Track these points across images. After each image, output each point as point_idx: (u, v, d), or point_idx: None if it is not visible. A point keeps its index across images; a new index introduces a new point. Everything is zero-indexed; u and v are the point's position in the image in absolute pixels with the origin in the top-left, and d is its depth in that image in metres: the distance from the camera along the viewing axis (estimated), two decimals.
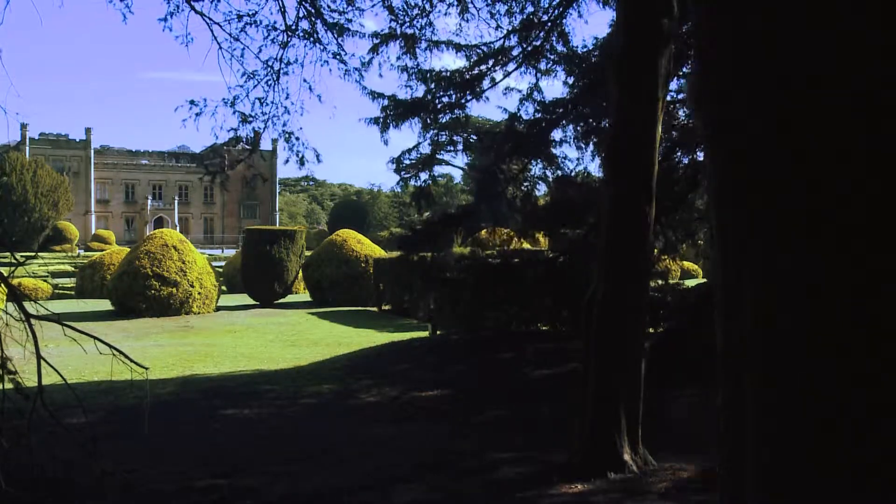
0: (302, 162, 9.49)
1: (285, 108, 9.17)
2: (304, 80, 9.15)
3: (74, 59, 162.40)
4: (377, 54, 9.36)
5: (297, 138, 9.36)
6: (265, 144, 10.68)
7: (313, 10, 8.79)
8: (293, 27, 8.76)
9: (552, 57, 9.66)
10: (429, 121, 9.78)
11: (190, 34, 8.46)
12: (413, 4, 9.10)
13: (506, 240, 11.25)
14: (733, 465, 2.06)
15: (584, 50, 9.80)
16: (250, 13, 8.64)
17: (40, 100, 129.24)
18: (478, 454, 5.91)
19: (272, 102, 9.06)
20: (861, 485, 1.73)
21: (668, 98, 7.89)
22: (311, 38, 8.90)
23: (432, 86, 9.62)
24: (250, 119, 8.99)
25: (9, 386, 3.77)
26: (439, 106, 9.70)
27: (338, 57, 9.04)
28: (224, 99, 8.88)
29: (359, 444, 6.39)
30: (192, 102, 8.66)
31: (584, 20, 10.47)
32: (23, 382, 3.91)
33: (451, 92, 9.63)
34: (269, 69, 8.96)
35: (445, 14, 9.74)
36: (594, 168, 10.38)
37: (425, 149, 10.33)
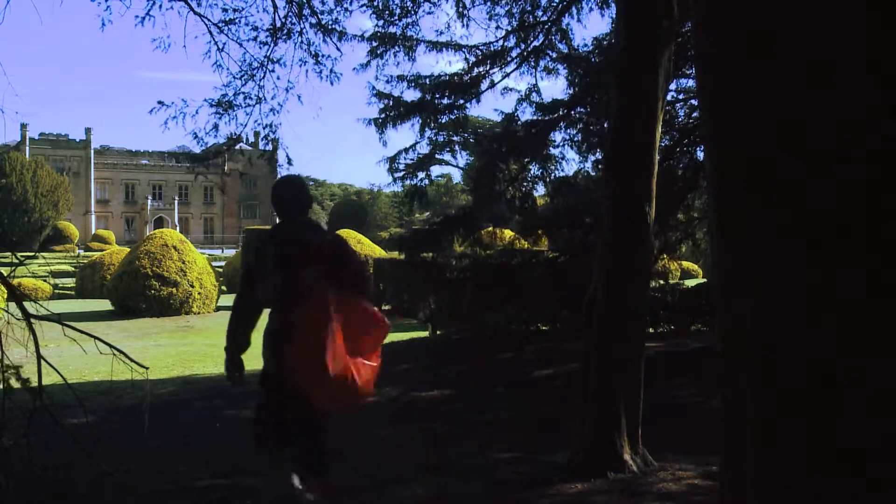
0: (271, 163, 9.47)
1: (271, 108, 9.07)
2: (286, 80, 9.05)
3: (74, 59, 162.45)
4: (377, 56, 9.34)
5: (275, 135, 9.25)
6: (264, 144, 10.62)
7: (302, 12, 8.71)
8: (281, 27, 8.68)
9: (552, 55, 9.66)
10: (429, 121, 9.79)
11: (170, 37, 8.35)
12: (402, 7, 9.05)
13: (509, 243, 11.28)
14: (733, 465, 2.06)
15: (585, 50, 9.82)
16: (237, 8, 8.55)
17: (40, 100, 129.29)
18: (478, 454, 5.91)
19: (257, 97, 8.94)
20: (861, 485, 1.73)
21: (668, 98, 7.89)
22: (300, 40, 8.80)
23: (428, 95, 9.61)
24: (234, 109, 8.82)
25: (15, 384, 3.78)
26: (439, 107, 9.70)
27: (317, 58, 8.90)
28: (208, 99, 8.79)
29: (358, 443, 6.39)
30: (161, 103, 8.42)
31: (582, 24, 10.54)
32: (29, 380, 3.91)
33: (450, 95, 9.62)
34: (256, 68, 8.85)
35: (430, 13, 9.67)
36: (593, 167, 10.39)
37: (423, 149, 10.35)
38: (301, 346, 3.48)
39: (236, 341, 3.81)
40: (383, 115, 9.78)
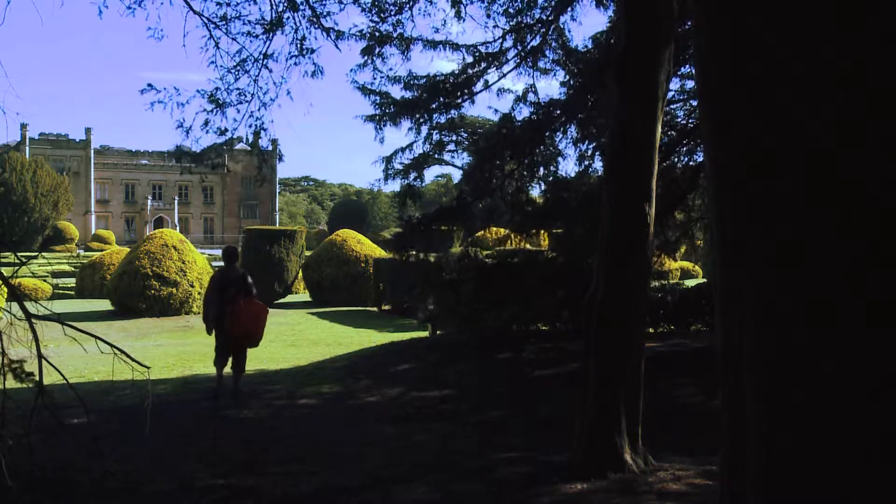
0: (260, 166, 9.48)
1: (263, 102, 8.96)
2: (279, 76, 8.97)
3: (74, 59, 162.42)
4: (372, 54, 9.25)
5: (263, 128, 9.16)
6: (263, 144, 10.55)
7: (298, 4, 8.59)
8: (276, 22, 8.57)
9: (550, 55, 9.63)
10: (423, 119, 9.70)
11: (163, 30, 8.27)
12: (394, 3, 8.95)
13: (502, 238, 11.16)
14: (733, 465, 2.07)
15: (584, 48, 9.79)
16: (234, 3, 8.44)
17: (40, 100, 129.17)
18: (478, 454, 5.91)
19: (251, 94, 8.84)
20: (860, 484, 1.73)
21: (668, 98, 7.88)
22: (294, 36, 8.69)
23: (425, 95, 9.54)
24: (225, 106, 8.70)
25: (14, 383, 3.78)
26: (434, 106, 9.61)
27: (310, 52, 8.76)
28: (200, 90, 8.71)
29: (359, 444, 6.39)
30: (150, 86, 8.26)
31: (577, 22, 10.44)
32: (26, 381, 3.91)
33: (444, 96, 9.54)
34: (251, 63, 8.74)
35: (426, 14, 9.47)
36: (593, 167, 10.36)
37: (419, 148, 10.25)
38: (235, 318, 8.38)
39: (211, 315, 8.55)
40: (380, 112, 9.69)
